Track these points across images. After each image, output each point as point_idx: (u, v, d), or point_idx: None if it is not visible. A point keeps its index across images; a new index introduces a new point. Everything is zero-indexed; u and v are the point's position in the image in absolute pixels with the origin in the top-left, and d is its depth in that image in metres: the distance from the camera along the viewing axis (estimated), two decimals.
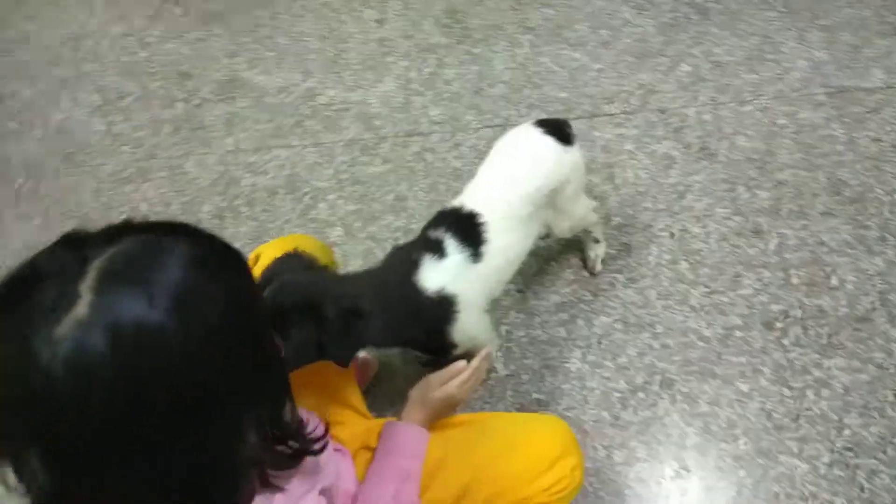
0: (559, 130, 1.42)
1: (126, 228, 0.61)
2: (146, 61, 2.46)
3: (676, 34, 2.24)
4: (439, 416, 1.12)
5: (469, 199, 1.35)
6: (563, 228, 1.53)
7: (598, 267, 1.73)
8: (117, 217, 2.14)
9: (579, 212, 1.55)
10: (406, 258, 1.28)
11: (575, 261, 1.76)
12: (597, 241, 1.71)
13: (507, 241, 1.34)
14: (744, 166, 1.88)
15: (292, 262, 1.14)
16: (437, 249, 1.27)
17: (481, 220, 1.31)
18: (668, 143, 1.97)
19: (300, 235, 1.33)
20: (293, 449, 0.72)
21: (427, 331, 1.30)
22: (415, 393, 1.13)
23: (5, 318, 0.55)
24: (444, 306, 1.26)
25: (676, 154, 1.94)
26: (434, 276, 1.26)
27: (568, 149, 1.41)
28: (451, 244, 1.28)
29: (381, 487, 1.00)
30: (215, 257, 0.63)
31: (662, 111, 2.05)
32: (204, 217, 2.01)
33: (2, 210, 2.13)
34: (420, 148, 2.07)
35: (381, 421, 1.16)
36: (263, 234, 1.92)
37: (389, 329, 1.21)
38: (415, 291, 1.24)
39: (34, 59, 2.54)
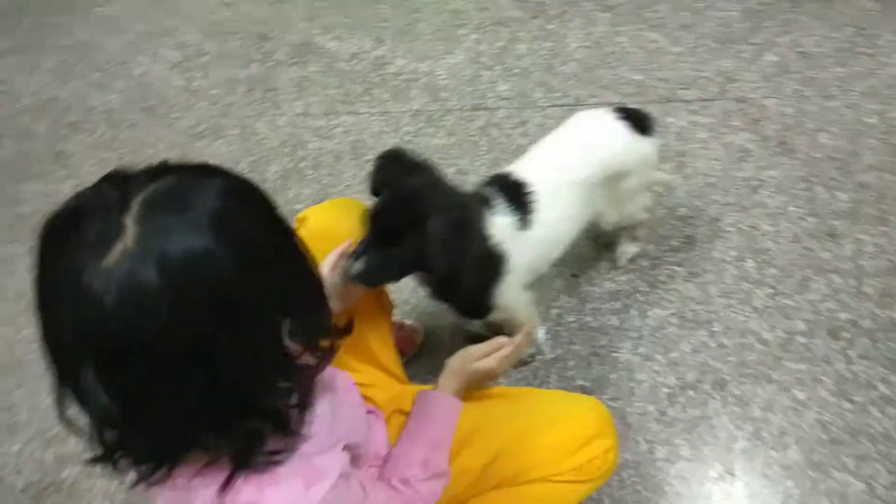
0: (636, 119, 1.38)
1: (165, 168, 0.64)
2: (227, 21, 2.52)
3: (763, 21, 2.12)
4: (474, 388, 1.12)
5: (525, 167, 1.33)
6: (611, 219, 1.49)
7: (623, 262, 1.69)
8: None
9: (632, 207, 1.51)
10: (477, 202, 1.26)
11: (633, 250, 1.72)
12: (634, 240, 1.67)
13: (554, 216, 1.31)
14: (824, 165, 1.78)
15: (398, 163, 1.15)
16: (489, 206, 1.26)
17: (531, 189, 1.28)
18: (745, 134, 1.88)
19: (349, 199, 1.33)
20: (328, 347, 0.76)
21: (477, 283, 1.27)
22: (453, 362, 1.12)
23: (55, 251, 0.58)
24: (497, 260, 1.23)
25: (752, 147, 1.85)
26: (493, 229, 1.24)
27: (641, 139, 1.37)
28: (500, 205, 1.26)
29: (411, 453, 1.02)
30: (246, 190, 0.68)
31: (741, 101, 1.95)
32: (270, 177, 2.06)
33: (81, 157, 2.24)
34: (485, 123, 2.05)
35: (416, 387, 1.17)
36: (326, 197, 1.96)
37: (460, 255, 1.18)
38: (485, 235, 1.21)
39: (121, 14, 2.64)
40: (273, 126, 2.19)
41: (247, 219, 0.64)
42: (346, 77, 2.26)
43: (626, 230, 1.64)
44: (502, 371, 1.13)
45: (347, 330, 0.83)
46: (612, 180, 1.37)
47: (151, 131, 2.26)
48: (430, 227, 1.05)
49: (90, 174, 2.17)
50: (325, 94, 2.23)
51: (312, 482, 0.72)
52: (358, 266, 1.08)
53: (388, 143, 2.06)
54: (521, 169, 1.33)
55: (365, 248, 1.10)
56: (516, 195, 1.28)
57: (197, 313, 0.58)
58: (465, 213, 1.14)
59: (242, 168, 2.10)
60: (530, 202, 1.28)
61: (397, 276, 1.19)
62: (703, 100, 1.98)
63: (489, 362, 1.10)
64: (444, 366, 1.14)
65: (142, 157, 2.19)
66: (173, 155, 2.31)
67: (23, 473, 1.62)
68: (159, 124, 2.27)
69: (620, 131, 1.36)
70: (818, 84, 1.95)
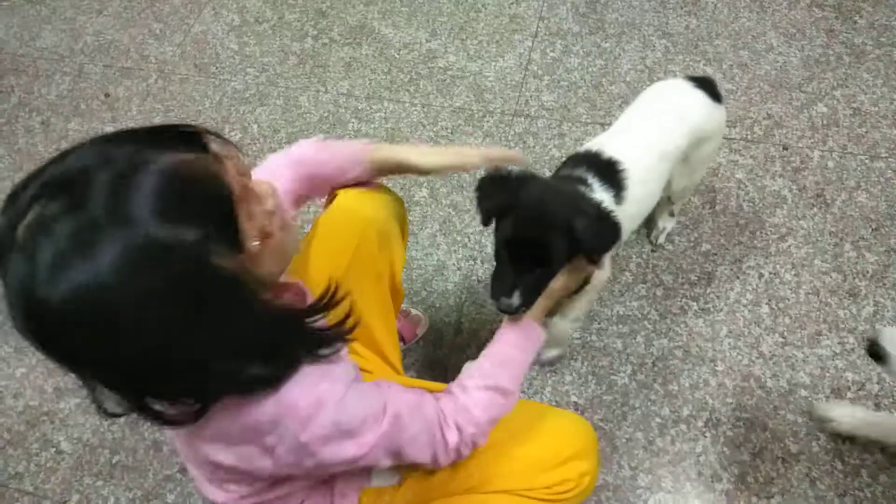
0: (709, 87, 1.40)
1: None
2: None
3: (822, 72, 2.09)
4: (554, 307, 1.14)
5: (608, 144, 1.32)
6: (681, 188, 1.52)
7: (662, 239, 1.73)
8: (229, 131, 2.24)
9: (702, 173, 1.55)
10: (568, 183, 1.25)
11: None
12: (672, 215, 1.70)
13: (644, 191, 1.32)
14: (858, 223, 1.75)
15: (503, 185, 1.12)
16: (585, 185, 1.25)
17: (623, 166, 1.28)
18: (783, 181, 1.85)
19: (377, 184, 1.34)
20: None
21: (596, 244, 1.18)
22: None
23: None
24: (616, 223, 1.13)
25: (788, 195, 1.83)
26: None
27: (717, 106, 1.40)
28: (595, 184, 1.25)
29: (478, 364, 1.03)
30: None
31: (785, 147, 1.93)
32: None
33: (127, 101, 2.31)
34: (523, 130, 2.06)
35: (409, 379, 1.18)
36: None
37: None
38: (596, 205, 1.16)
39: None
40: (316, 101, 2.22)
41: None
42: (395, 64, 2.28)
43: (665, 204, 1.66)
44: (574, 283, 1.14)
45: (350, 330, 0.86)
46: (693, 148, 1.39)
47: (199, 88, 2.31)
48: (579, 229, 1.03)
49: (134, 120, 2.24)
50: (371, 77, 2.26)
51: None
52: (515, 302, 1.06)
53: (425, 134, 2.08)
54: (606, 144, 1.31)
55: (512, 280, 1.07)
56: (610, 172, 1.27)
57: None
58: (593, 203, 1.13)
59: (280, 137, 2.14)
60: (624, 179, 1.27)
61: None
62: (747, 140, 1.95)
63: (559, 280, 1.11)
64: None
65: (187, 111, 2.25)
66: (218, 115, 2.36)
67: (23, 397, 1.68)
68: (209, 83, 2.33)
69: (702, 99, 1.38)
70: (866, 142, 1.91)
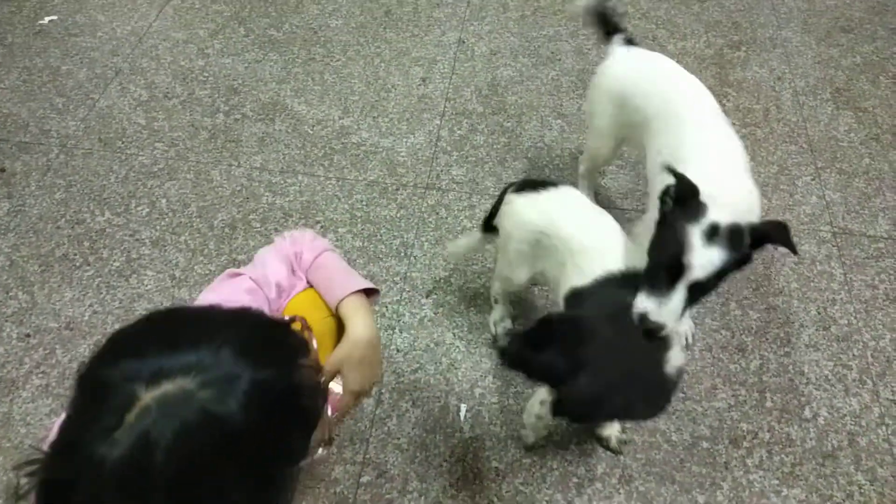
0: None
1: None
2: (200, 70, 2.59)
3: None
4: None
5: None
6: None
7: None
8: (136, 206, 2.18)
9: None
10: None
11: None
12: None
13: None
14: (740, 283, 1.93)
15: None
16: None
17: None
18: None
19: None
20: None
21: None
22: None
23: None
24: None
25: None
26: None
27: None
28: None
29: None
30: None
31: None
32: (217, 224, 2.07)
33: (28, 175, 2.21)
34: (436, 202, 2.15)
35: None
36: None
37: None
38: None
39: (96, 46, 2.68)
40: (228, 175, 2.22)
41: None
42: (309, 140, 2.34)
43: None
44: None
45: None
46: None
47: (104, 163, 2.26)
48: None
49: (34, 196, 2.15)
50: (285, 152, 2.30)
51: None
52: None
53: (340, 207, 2.13)
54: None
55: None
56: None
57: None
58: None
59: (191, 212, 2.11)
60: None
61: None
62: (639, 211, 2.13)
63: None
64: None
65: (91, 187, 2.18)
66: (124, 190, 2.30)
67: None
68: (115, 157, 2.28)
69: None
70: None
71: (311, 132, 2.37)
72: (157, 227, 2.07)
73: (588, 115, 1.90)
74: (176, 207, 2.13)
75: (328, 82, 2.55)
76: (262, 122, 2.40)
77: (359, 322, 1.11)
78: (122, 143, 2.33)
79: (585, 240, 1.34)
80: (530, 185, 1.50)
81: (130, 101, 2.47)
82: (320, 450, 0.91)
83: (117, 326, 0.76)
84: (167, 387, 0.64)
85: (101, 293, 1.91)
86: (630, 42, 1.75)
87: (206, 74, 2.57)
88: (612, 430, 1.60)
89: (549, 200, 1.45)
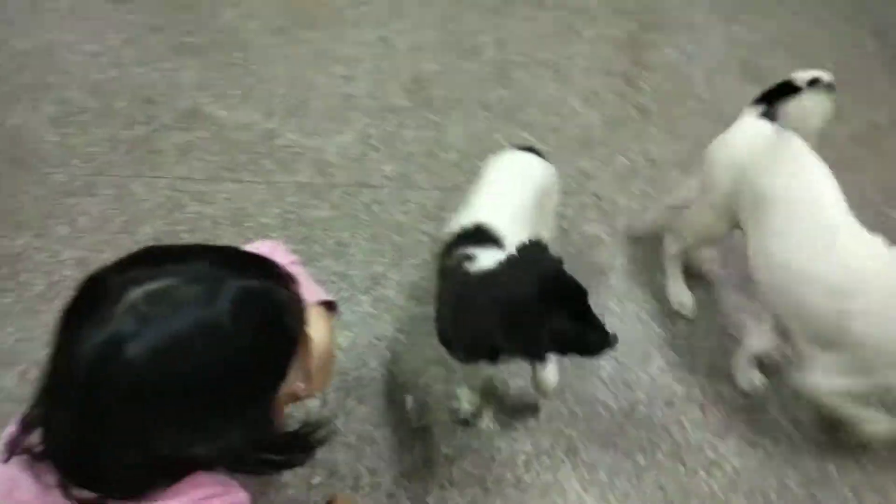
0: (536, 151, 1.71)
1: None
2: (113, 81, 2.50)
3: (619, 129, 2.42)
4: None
5: (479, 215, 1.47)
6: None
7: None
8: (55, 226, 2.10)
9: (552, 222, 1.74)
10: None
11: None
12: None
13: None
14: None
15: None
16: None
17: (498, 230, 1.44)
18: (599, 225, 2.10)
19: None
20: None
21: None
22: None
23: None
24: None
25: (605, 237, 2.07)
26: None
27: (549, 165, 1.68)
28: (482, 254, 1.39)
29: None
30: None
31: (598, 196, 2.19)
32: (142, 238, 2.01)
33: None
34: (369, 199, 2.15)
35: None
36: None
37: None
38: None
39: (1, 63, 2.55)
40: (151, 188, 2.16)
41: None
42: (233, 145, 2.30)
43: None
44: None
45: None
46: (541, 200, 1.58)
47: (17, 183, 2.16)
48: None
49: None
50: (209, 160, 2.25)
51: None
52: None
53: (271, 212, 2.10)
54: (478, 214, 1.46)
55: None
56: (490, 239, 1.40)
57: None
58: None
59: (113, 228, 2.04)
60: (502, 239, 1.39)
61: None
62: (565, 193, 2.18)
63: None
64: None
65: (6, 208, 2.08)
66: (39, 210, 2.21)
67: None
68: (28, 178, 2.18)
69: (538, 161, 1.66)
70: (660, 186, 2.23)
71: (235, 137, 2.33)
72: (79, 247, 1.99)
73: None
74: (97, 224, 2.06)
75: (249, 86, 2.51)
76: (183, 130, 2.34)
77: (318, 331, 1.12)
78: (36, 161, 2.23)
79: None
80: None
81: (41, 119, 2.36)
82: (300, 384, 0.92)
83: (45, 353, 0.76)
84: (155, 284, 0.71)
85: (24, 320, 1.83)
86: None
87: (121, 86, 2.49)
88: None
89: None
